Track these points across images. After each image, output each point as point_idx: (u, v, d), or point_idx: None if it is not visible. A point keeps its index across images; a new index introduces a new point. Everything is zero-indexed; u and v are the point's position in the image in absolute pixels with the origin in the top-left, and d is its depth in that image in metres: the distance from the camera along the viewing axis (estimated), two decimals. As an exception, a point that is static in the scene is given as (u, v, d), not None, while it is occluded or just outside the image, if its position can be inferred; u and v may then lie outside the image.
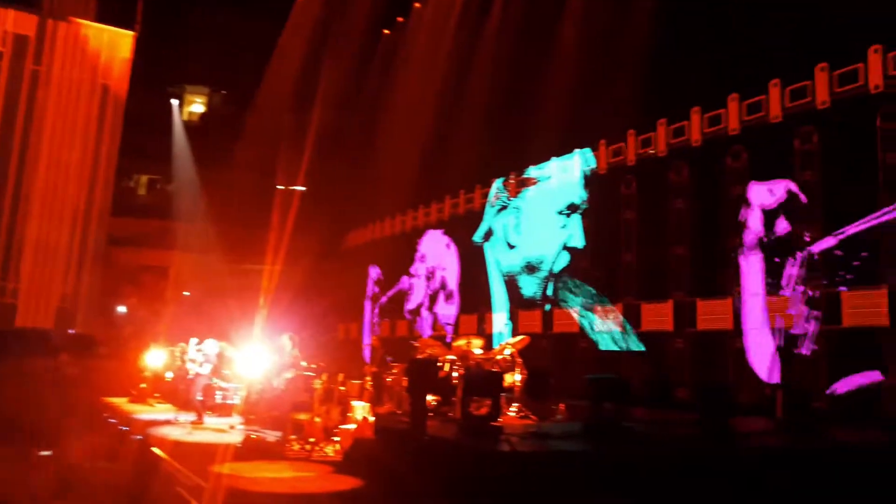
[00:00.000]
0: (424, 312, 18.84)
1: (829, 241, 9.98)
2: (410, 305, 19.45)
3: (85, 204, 20.41)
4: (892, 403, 9.03)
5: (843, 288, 9.74)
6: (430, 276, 19.09)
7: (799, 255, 10.26)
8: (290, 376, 11.18)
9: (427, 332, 18.34)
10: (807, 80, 10.55)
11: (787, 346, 10.28)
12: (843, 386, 9.57)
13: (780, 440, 8.23)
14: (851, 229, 9.69)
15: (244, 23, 21.39)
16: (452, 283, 18.14)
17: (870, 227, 9.49)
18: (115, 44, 20.87)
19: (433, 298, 18.74)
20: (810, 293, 10.07)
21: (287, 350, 11.72)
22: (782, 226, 10.59)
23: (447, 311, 18.10)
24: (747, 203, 11.09)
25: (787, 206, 10.55)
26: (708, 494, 6.10)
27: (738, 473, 6.55)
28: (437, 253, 19.05)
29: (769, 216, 10.83)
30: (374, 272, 21.31)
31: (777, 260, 10.60)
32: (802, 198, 10.37)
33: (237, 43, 21.98)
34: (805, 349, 10.04)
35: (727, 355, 11.04)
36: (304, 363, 11.95)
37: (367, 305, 21.32)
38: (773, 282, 10.60)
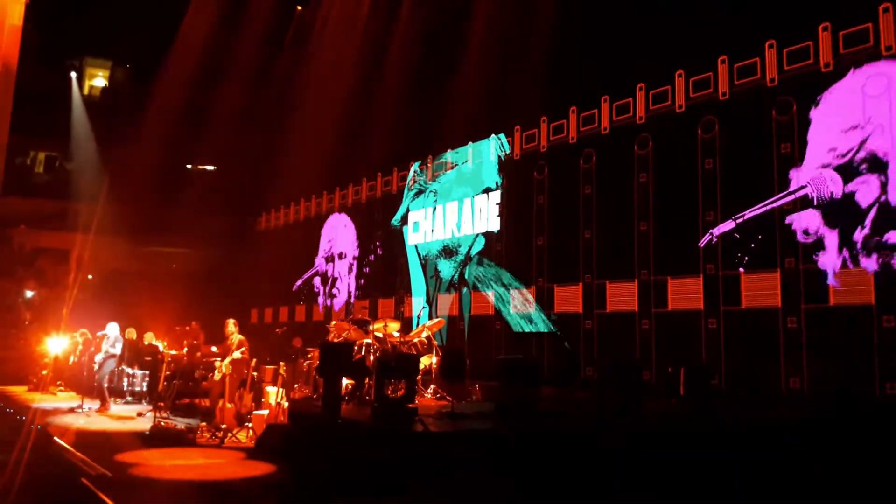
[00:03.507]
0: (342, 289, 18.71)
1: (728, 225, 10.53)
2: (331, 286, 19.24)
3: (-28, 181, 19.11)
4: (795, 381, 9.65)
5: (741, 270, 10.31)
6: (340, 256, 19.07)
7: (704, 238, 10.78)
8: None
9: (343, 310, 18.30)
10: (709, 71, 11.04)
11: (690, 326, 10.81)
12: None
13: (679, 418, 8.66)
14: (749, 213, 10.26)
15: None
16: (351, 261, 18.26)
17: (767, 213, 10.08)
18: (2, 10, 19.52)
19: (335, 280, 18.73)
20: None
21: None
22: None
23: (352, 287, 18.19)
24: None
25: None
26: (607, 470, 6.39)
27: (637, 448, 6.89)
28: (337, 235, 19.11)
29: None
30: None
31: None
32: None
33: (142, 13, 21.00)
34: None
35: (635, 335, 11.50)
36: (214, 349, 11.74)
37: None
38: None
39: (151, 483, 7.05)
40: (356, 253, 18.46)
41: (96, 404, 12.24)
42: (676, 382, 9.38)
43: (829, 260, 9.41)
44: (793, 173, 9.86)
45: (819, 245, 9.51)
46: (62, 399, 13.55)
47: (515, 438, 6.78)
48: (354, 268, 18.42)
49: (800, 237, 9.71)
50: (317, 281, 19.83)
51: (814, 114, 9.77)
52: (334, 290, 19.05)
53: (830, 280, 9.34)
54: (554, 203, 13.34)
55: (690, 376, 9.27)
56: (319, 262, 19.99)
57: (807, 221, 9.67)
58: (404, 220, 16.99)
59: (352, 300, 18.14)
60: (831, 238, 9.41)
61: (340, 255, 19.03)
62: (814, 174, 9.64)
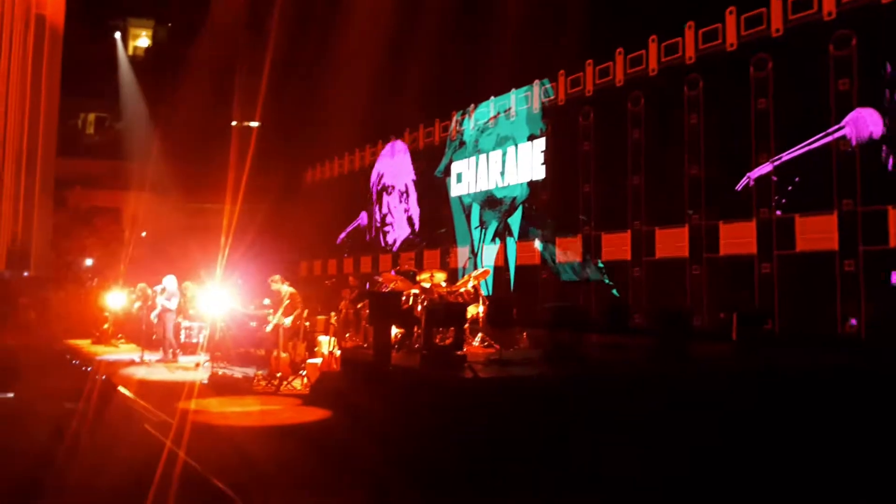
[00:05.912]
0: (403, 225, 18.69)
1: (766, 168, 10.22)
2: (390, 237, 19.22)
3: (28, 143, 19.53)
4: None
5: (778, 213, 10.03)
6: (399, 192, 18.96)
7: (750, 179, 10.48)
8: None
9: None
10: (762, 7, 10.57)
11: (743, 271, 10.60)
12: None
13: (729, 362, 8.56)
14: (786, 155, 9.92)
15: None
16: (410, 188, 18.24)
17: (823, 154, 9.71)
18: (48, -25, 19.68)
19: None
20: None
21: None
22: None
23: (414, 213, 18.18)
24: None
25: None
26: (653, 412, 6.36)
27: (683, 392, 6.85)
28: (390, 165, 19.04)
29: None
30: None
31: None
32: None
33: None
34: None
35: (685, 282, 11.35)
36: (266, 301, 11.97)
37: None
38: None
39: (211, 428, 7.30)
40: (402, 188, 18.32)
41: (156, 355, 12.66)
42: (728, 328, 9.28)
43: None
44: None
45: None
46: (123, 351, 14.06)
47: (564, 383, 6.82)
48: (406, 199, 18.31)
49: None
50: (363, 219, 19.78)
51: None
52: (386, 229, 19.08)
53: None
54: (600, 148, 13.09)
55: (743, 321, 9.16)
56: (363, 214, 20.11)
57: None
58: (447, 171, 16.91)
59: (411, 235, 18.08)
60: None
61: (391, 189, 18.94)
62: (853, 114, 9.22)
